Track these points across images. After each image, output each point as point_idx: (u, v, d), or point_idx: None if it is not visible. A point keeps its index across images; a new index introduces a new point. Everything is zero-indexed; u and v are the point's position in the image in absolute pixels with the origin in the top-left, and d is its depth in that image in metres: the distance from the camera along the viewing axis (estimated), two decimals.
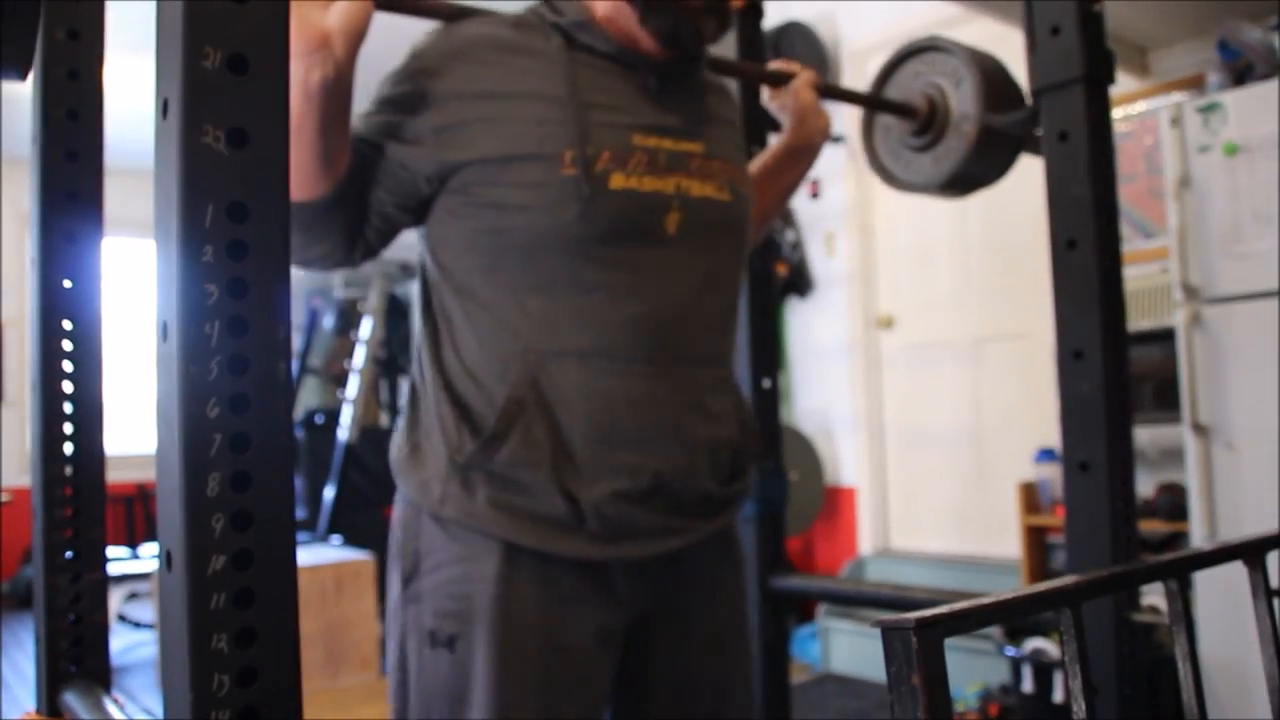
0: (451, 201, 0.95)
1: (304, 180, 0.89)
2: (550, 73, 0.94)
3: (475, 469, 0.93)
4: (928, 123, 1.32)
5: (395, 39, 1.06)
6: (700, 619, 1.05)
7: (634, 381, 0.93)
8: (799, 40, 3.59)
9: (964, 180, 1.32)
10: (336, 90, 0.86)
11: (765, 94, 1.30)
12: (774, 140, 1.31)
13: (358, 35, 0.86)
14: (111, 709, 0.89)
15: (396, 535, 1.01)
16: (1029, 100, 1.19)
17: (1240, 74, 2.34)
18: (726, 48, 1.46)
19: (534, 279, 0.92)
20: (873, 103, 1.38)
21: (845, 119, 3.66)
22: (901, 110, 1.34)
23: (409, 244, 1.02)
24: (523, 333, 0.93)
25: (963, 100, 1.29)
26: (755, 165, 1.26)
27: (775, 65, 1.27)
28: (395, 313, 5.49)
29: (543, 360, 0.92)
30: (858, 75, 3.66)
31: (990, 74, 1.28)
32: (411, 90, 0.94)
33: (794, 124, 1.23)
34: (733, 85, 1.45)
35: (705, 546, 1.02)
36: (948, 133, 1.31)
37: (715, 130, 1.04)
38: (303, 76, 0.84)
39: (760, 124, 1.46)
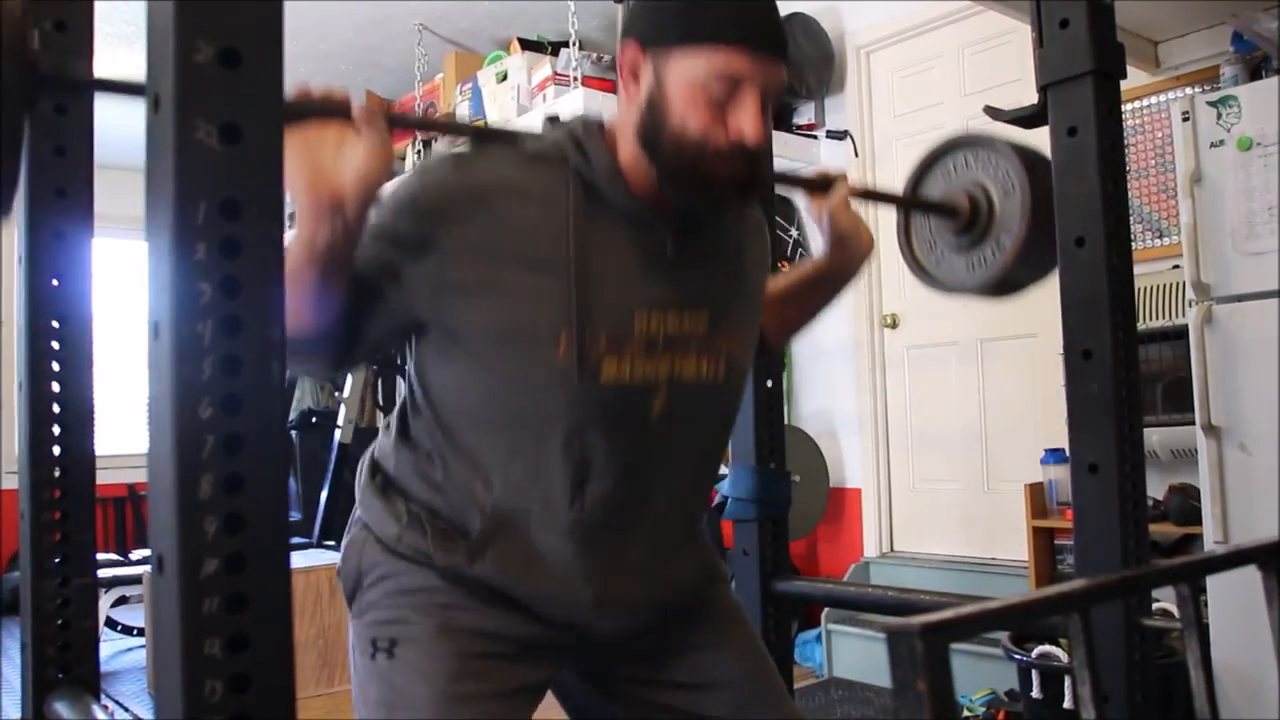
0: (443, 344, 0.95)
1: (294, 321, 0.85)
2: (561, 232, 0.91)
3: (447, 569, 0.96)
4: (968, 225, 1.22)
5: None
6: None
7: (595, 547, 0.96)
8: (801, 32, 3.55)
9: (1000, 289, 1.24)
10: (343, 247, 0.84)
11: (803, 205, 1.24)
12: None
13: (374, 194, 0.83)
14: (100, 716, 0.88)
15: (343, 559, 1.03)
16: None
17: (1256, 67, 2.31)
18: None
19: (513, 443, 0.94)
20: (912, 204, 1.31)
21: (847, 119, 3.65)
22: (942, 210, 1.26)
23: None
24: (495, 486, 0.95)
25: (1008, 210, 1.19)
26: (785, 281, 1.19)
27: (813, 172, 1.17)
28: None
29: (512, 514, 0.95)
30: (861, 68, 3.64)
31: (1041, 181, 1.16)
32: (415, 231, 0.91)
33: (833, 247, 1.14)
34: None
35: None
36: (987, 240, 1.22)
37: (730, 288, 1.01)
38: (309, 237, 0.82)
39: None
